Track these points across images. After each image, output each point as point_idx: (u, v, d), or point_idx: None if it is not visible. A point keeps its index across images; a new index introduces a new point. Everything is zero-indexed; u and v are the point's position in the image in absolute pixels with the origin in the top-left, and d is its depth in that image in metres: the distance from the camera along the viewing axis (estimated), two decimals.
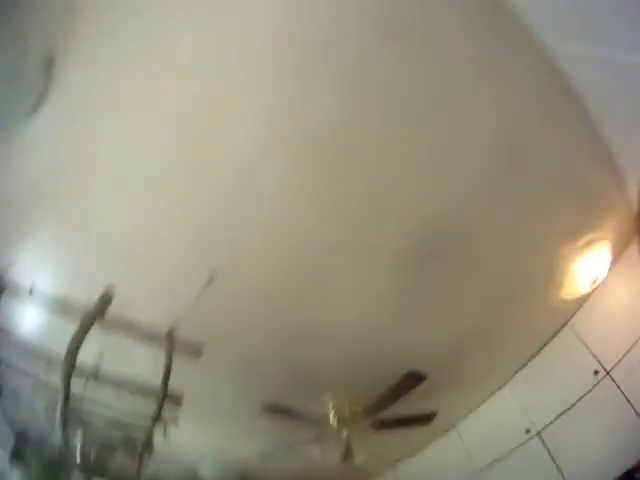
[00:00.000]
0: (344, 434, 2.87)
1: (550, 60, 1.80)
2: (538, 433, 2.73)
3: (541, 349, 2.86)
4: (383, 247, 2.27)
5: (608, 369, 2.42)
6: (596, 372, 2.47)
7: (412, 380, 2.65)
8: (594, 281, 2.58)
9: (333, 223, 2.14)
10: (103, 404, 2.29)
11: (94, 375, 2.01)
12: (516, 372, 2.99)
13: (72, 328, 1.81)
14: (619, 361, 2.37)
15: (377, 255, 2.30)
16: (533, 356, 2.90)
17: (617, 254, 2.49)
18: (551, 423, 2.67)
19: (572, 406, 2.57)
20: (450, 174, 2.07)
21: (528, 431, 2.78)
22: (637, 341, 2.30)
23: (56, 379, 1.71)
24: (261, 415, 2.79)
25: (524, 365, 2.95)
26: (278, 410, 2.83)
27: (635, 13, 1.60)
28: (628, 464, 2.23)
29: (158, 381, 2.10)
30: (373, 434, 2.98)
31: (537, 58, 1.79)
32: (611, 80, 1.84)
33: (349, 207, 2.10)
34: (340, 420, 2.97)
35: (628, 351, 2.33)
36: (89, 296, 1.92)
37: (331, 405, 3.00)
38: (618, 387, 2.35)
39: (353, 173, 1.99)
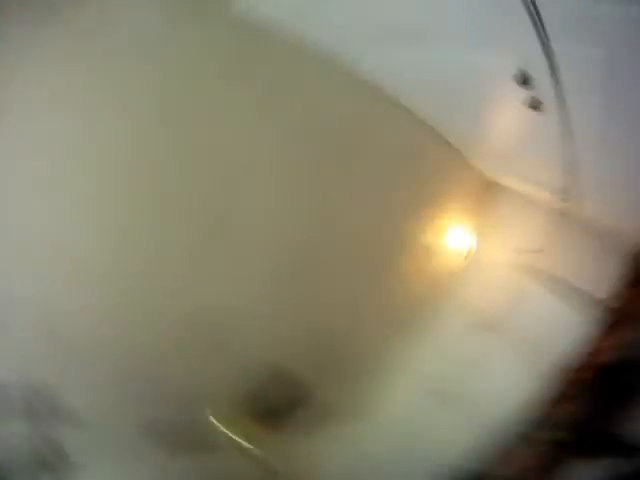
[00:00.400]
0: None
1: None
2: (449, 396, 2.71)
3: (430, 319, 2.82)
4: None
5: (497, 324, 2.55)
6: (486, 329, 2.59)
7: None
8: (468, 251, 2.80)
9: None
10: None
11: None
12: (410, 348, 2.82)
13: None
14: (506, 313, 2.53)
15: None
16: (423, 328, 2.81)
17: (481, 222, 2.75)
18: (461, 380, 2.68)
19: (474, 361, 2.64)
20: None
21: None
22: (518, 291, 2.47)
23: None
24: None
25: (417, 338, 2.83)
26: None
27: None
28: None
29: None
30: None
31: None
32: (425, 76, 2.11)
33: None
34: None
35: (514, 302, 2.50)
36: None
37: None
38: (508, 335, 2.49)
39: None
